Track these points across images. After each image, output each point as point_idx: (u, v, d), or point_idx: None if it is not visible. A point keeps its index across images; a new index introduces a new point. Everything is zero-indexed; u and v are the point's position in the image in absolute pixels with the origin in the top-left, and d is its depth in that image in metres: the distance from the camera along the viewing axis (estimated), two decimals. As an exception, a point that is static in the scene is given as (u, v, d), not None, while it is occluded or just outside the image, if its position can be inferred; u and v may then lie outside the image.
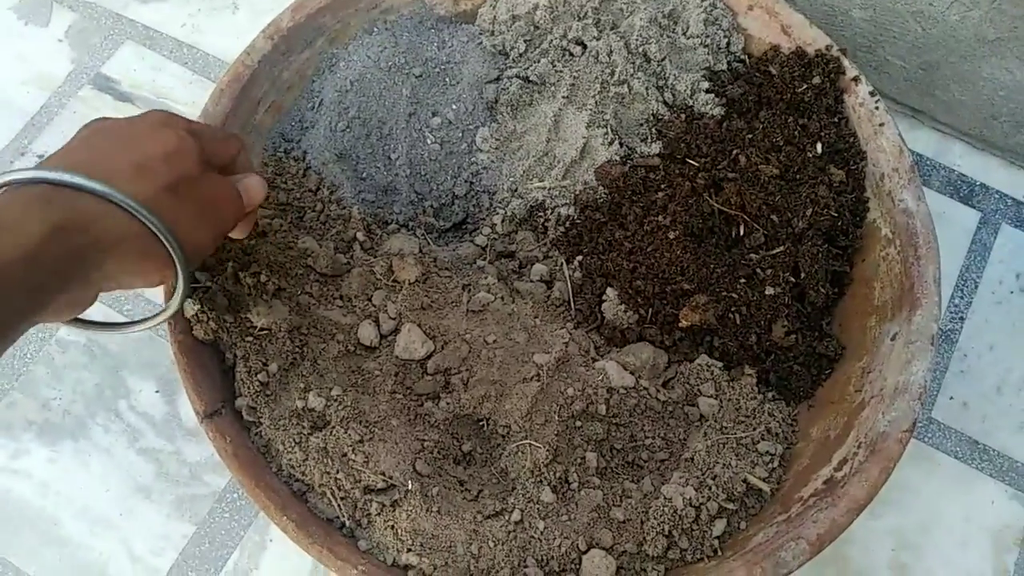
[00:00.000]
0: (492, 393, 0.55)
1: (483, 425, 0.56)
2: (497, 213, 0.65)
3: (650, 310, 0.59)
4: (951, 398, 0.68)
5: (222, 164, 0.49)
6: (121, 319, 0.49)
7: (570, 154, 0.64)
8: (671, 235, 0.59)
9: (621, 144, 0.65)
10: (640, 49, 0.65)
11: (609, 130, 0.64)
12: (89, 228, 0.39)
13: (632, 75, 0.65)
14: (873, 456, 0.51)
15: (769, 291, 0.58)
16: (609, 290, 0.60)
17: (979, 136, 0.76)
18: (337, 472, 0.51)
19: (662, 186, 0.62)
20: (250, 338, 0.55)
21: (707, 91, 0.66)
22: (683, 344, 0.59)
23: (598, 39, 0.65)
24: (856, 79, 0.63)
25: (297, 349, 0.55)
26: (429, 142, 0.66)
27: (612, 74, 0.65)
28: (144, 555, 0.63)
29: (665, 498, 0.52)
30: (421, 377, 0.57)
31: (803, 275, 0.59)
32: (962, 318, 0.71)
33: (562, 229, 0.64)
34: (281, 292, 0.57)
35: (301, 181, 0.63)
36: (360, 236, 0.61)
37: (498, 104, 0.67)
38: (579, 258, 0.62)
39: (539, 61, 0.66)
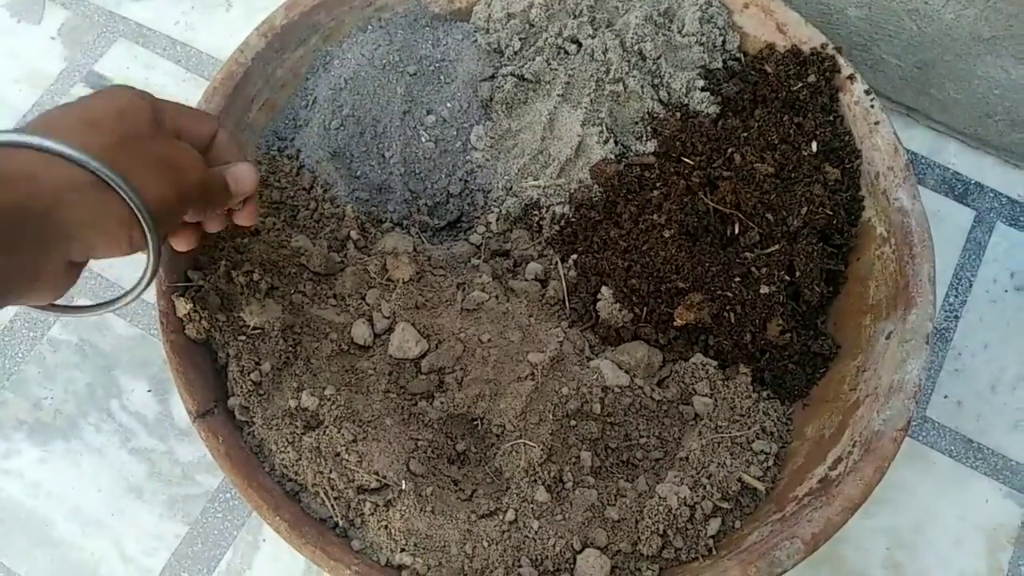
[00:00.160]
0: (486, 392, 0.55)
1: (477, 424, 0.56)
2: (492, 212, 0.65)
3: (645, 309, 0.59)
4: (945, 397, 0.68)
5: (195, 142, 0.47)
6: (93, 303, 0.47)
7: (565, 152, 0.64)
8: (666, 234, 0.59)
9: (616, 142, 0.65)
10: (635, 47, 0.65)
11: (604, 128, 0.64)
12: (28, 181, 0.37)
13: (627, 73, 0.64)
14: (868, 455, 0.51)
15: (764, 290, 0.58)
16: (604, 289, 0.60)
17: (974, 135, 0.76)
18: (330, 472, 0.51)
19: (657, 184, 0.62)
20: (243, 337, 0.54)
21: (702, 89, 0.66)
22: (678, 343, 0.59)
23: (593, 37, 0.65)
24: (851, 77, 0.63)
25: (290, 348, 0.55)
26: (423, 140, 0.65)
27: (607, 72, 0.64)
28: (136, 555, 0.62)
29: (660, 497, 0.52)
30: (415, 376, 0.57)
31: (798, 274, 0.59)
32: (956, 317, 0.71)
33: (557, 228, 0.64)
34: (274, 291, 0.56)
35: (295, 179, 0.63)
36: (354, 235, 0.61)
37: (493, 102, 0.66)
38: (574, 257, 0.62)
39: (534, 59, 0.66)
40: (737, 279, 0.58)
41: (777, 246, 0.59)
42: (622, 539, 0.51)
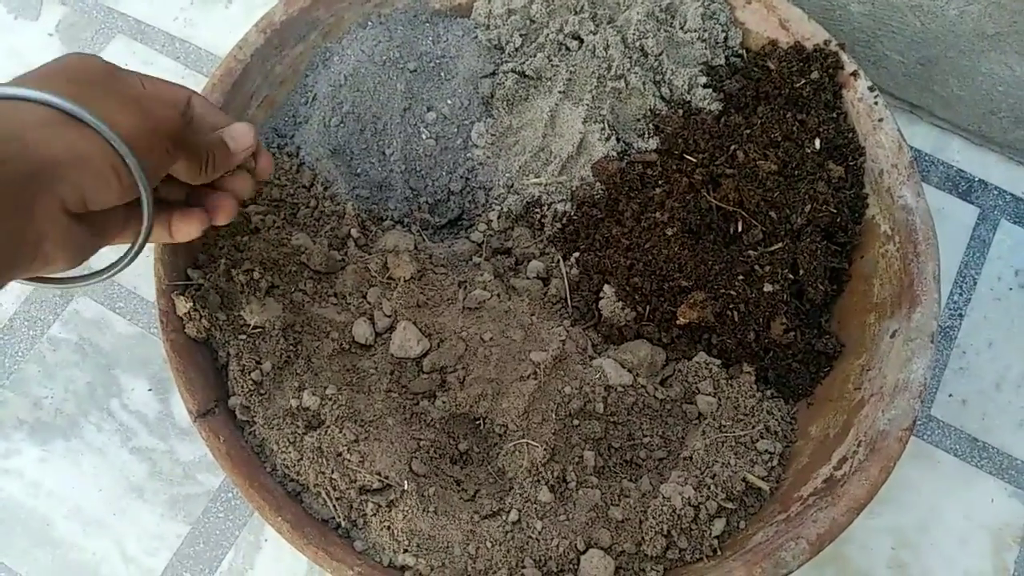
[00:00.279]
0: (489, 391, 0.55)
1: (480, 424, 0.55)
2: (493, 209, 0.65)
3: (648, 307, 0.58)
4: (950, 395, 0.68)
5: (167, 104, 0.45)
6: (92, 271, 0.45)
7: (567, 150, 0.64)
8: (669, 231, 0.58)
9: (618, 139, 0.64)
10: (637, 43, 0.64)
11: (606, 125, 0.64)
12: None
13: (629, 70, 0.64)
14: (873, 455, 0.51)
15: (768, 288, 0.57)
16: (606, 287, 0.59)
17: (978, 132, 0.76)
18: (332, 472, 0.51)
19: (659, 182, 0.61)
20: (243, 336, 0.54)
21: (705, 86, 0.65)
22: (681, 341, 0.59)
23: (594, 33, 0.65)
24: (855, 74, 0.63)
25: (291, 347, 0.55)
26: (424, 137, 0.65)
27: (609, 69, 0.64)
28: (138, 555, 0.62)
29: (664, 497, 0.52)
30: (417, 375, 0.56)
31: (802, 272, 0.59)
32: (961, 315, 0.70)
33: (559, 225, 0.63)
34: (274, 289, 0.56)
35: (294, 177, 0.62)
36: (354, 233, 0.61)
37: (494, 99, 0.66)
38: (576, 255, 0.62)
39: (535, 56, 0.65)
40: (740, 277, 0.58)
41: (780, 244, 0.59)
42: (626, 539, 0.51)
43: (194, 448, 0.65)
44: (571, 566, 0.50)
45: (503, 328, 0.58)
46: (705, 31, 0.66)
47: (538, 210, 0.64)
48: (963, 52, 0.70)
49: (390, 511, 0.50)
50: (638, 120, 0.65)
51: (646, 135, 0.65)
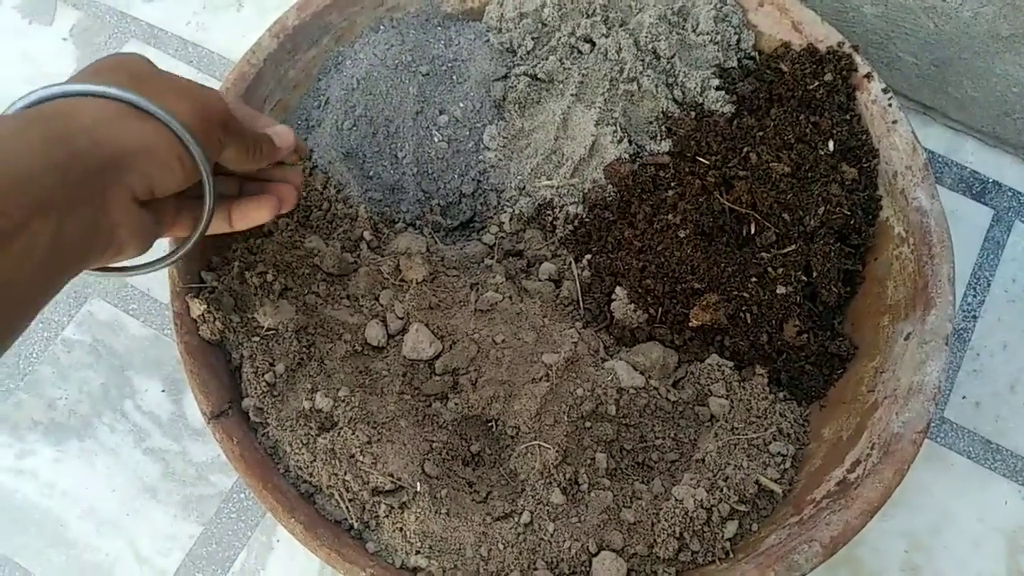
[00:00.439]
0: (501, 393, 0.55)
1: (492, 426, 0.55)
2: (505, 211, 0.65)
3: (660, 309, 0.58)
4: (964, 397, 0.67)
5: (213, 93, 0.47)
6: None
7: (579, 152, 0.64)
8: (681, 234, 0.58)
9: (630, 142, 0.64)
10: (649, 46, 0.64)
11: (618, 128, 0.64)
12: (65, 118, 0.38)
13: (641, 72, 0.64)
14: (887, 457, 0.50)
15: (780, 290, 0.57)
16: (618, 289, 0.59)
17: (992, 133, 0.76)
18: (345, 474, 0.51)
19: (672, 184, 0.61)
20: (256, 338, 0.54)
21: (717, 88, 0.65)
22: (693, 344, 0.59)
23: (607, 36, 0.65)
24: (868, 76, 0.63)
25: (304, 349, 0.55)
26: (436, 140, 0.65)
27: (621, 72, 0.64)
28: (151, 556, 0.63)
29: (676, 499, 0.52)
30: (429, 377, 0.56)
31: (815, 274, 0.58)
32: (975, 317, 0.70)
33: (571, 228, 0.63)
34: (288, 292, 0.56)
35: (307, 180, 0.62)
36: (367, 235, 0.61)
37: (506, 102, 0.66)
38: (588, 257, 0.62)
39: (547, 59, 0.66)
40: (753, 279, 0.58)
41: (794, 246, 0.59)
42: (638, 542, 0.51)
43: (207, 449, 0.65)
44: (583, 568, 0.50)
45: (515, 330, 0.58)
46: (717, 33, 0.66)
47: (550, 212, 0.64)
48: (977, 53, 0.70)
49: (402, 513, 0.50)
50: (650, 122, 0.65)
51: (658, 137, 0.65)
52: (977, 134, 0.77)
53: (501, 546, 0.50)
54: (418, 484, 0.51)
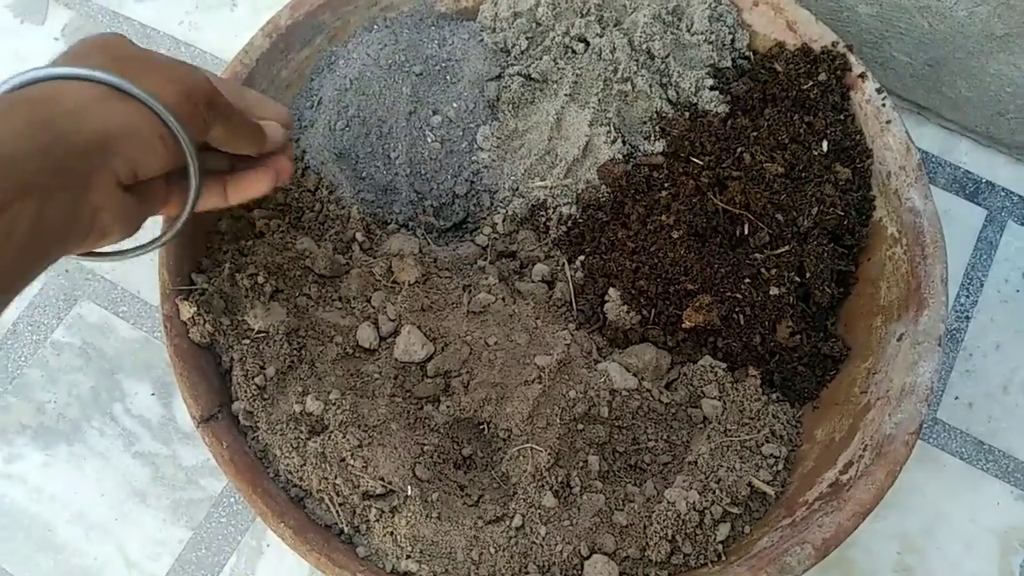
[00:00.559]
0: (493, 396, 0.55)
1: (484, 429, 0.55)
2: (498, 212, 0.65)
3: (653, 311, 0.58)
4: (956, 398, 0.67)
5: (195, 71, 0.46)
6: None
7: (572, 153, 0.63)
8: (675, 234, 0.58)
9: (624, 142, 0.64)
10: (643, 46, 0.64)
11: (612, 128, 0.64)
12: (50, 102, 0.38)
13: (635, 72, 0.64)
14: (879, 459, 0.50)
15: (774, 291, 0.57)
16: (611, 290, 0.59)
17: (985, 133, 0.75)
18: (335, 477, 0.50)
19: (666, 185, 0.61)
20: (247, 341, 0.54)
21: (711, 88, 0.65)
22: (686, 345, 0.58)
23: (601, 36, 0.64)
24: (862, 76, 0.62)
25: (295, 352, 0.54)
26: (429, 141, 0.65)
27: (615, 71, 0.64)
28: (140, 561, 0.62)
29: (668, 502, 0.52)
30: (421, 380, 0.56)
31: (808, 275, 0.58)
32: (967, 317, 0.70)
33: (564, 229, 0.63)
34: (279, 294, 0.56)
35: (299, 181, 0.62)
36: (359, 236, 0.61)
37: (499, 102, 0.66)
38: (581, 258, 0.61)
39: (541, 58, 0.65)
40: (746, 280, 0.58)
41: (787, 247, 0.58)
42: (630, 545, 0.51)
43: (197, 453, 0.65)
44: (575, 571, 0.50)
45: (508, 332, 0.57)
46: (712, 33, 0.66)
47: (543, 213, 0.64)
48: (971, 53, 0.69)
49: (393, 517, 0.50)
50: (644, 123, 0.65)
51: (652, 138, 0.65)
52: (971, 134, 0.77)
53: (492, 550, 0.50)
54: (409, 488, 0.50)
